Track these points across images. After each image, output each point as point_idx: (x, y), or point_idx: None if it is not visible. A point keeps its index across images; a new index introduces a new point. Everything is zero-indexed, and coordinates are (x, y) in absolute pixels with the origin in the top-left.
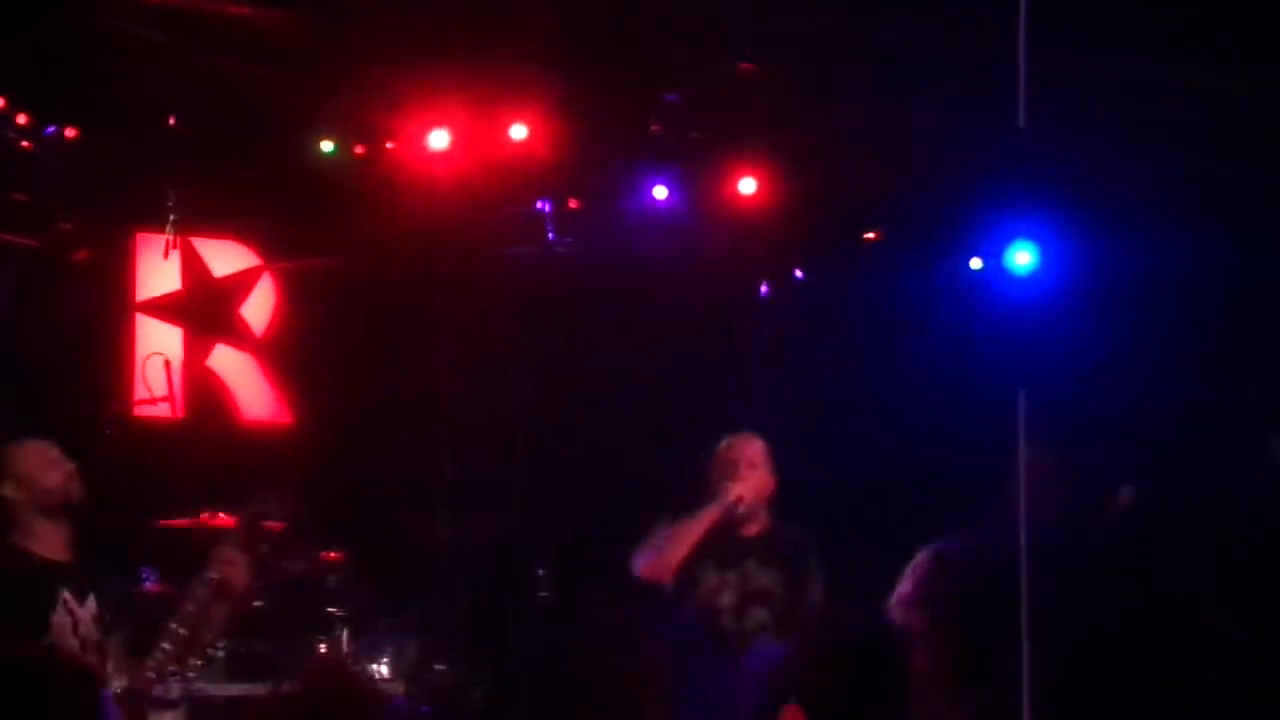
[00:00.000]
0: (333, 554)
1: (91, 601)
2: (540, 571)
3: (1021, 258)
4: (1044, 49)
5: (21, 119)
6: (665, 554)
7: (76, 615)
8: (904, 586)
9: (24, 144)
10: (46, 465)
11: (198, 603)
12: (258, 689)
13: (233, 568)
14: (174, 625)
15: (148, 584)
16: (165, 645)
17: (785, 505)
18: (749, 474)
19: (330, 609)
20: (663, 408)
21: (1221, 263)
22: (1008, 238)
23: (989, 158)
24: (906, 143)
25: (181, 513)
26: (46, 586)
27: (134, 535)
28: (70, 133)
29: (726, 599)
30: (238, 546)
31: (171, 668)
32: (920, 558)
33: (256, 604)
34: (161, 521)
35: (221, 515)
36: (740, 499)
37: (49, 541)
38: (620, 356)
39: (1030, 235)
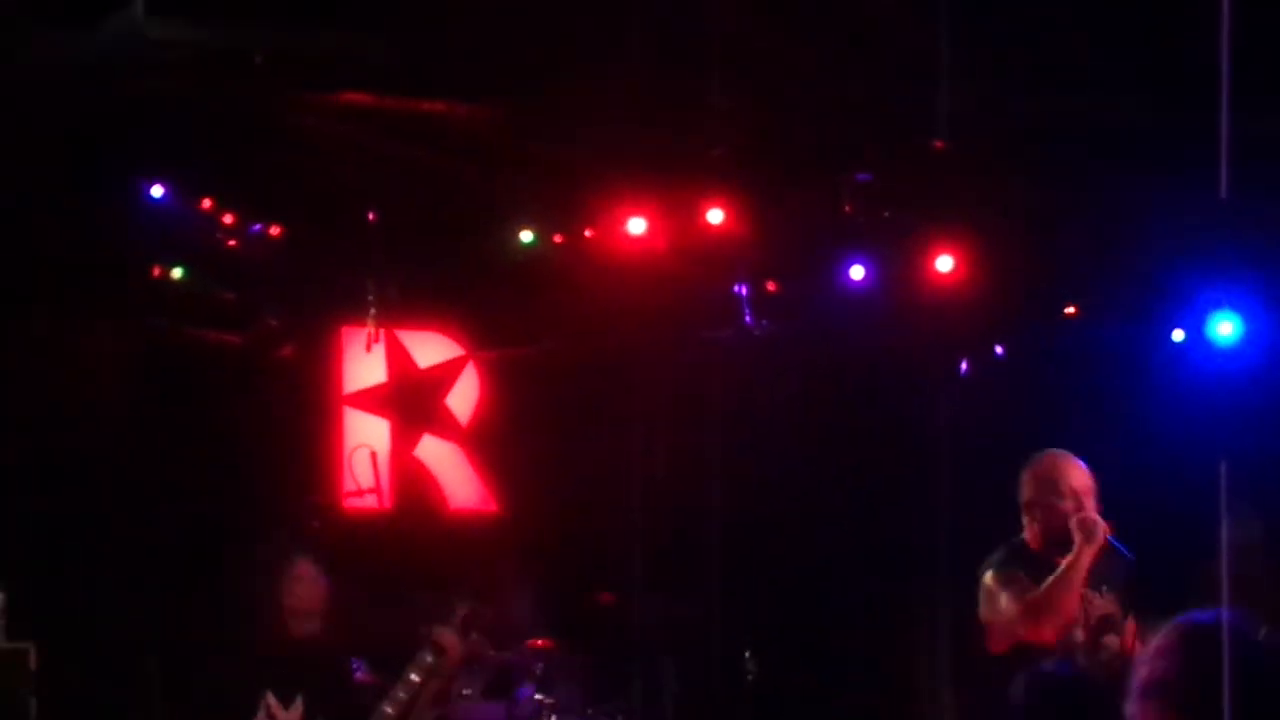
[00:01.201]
0: (540, 641)
1: (299, 703)
2: (746, 654)
3: (1224, 328)
4: (1246, 114)
5: (228, 219)
6: (1061, 608)
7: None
8: (1145, 669)
9: (230, 243)
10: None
11: (399, 703)
12: None
13: (449, 640)
14: (385, 708)
15: (358, 674)
16: None
17: None
18: (1092, 504)
19: (538, 697)
20: (863, 489)
21: None
22: (1210, 308)
23: (1191, 229)
24: (1107, 216)
25: (393, 605)
26: (249, 687)
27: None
28: (274, 230)
29: (1078, 632)
30: (454, 629)
31: None
32: (1167, 635)
33: (465, 693)
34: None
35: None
36: (1107, 531)
37: (280, 635)
38: (819, 437)
39: (1233, 305)
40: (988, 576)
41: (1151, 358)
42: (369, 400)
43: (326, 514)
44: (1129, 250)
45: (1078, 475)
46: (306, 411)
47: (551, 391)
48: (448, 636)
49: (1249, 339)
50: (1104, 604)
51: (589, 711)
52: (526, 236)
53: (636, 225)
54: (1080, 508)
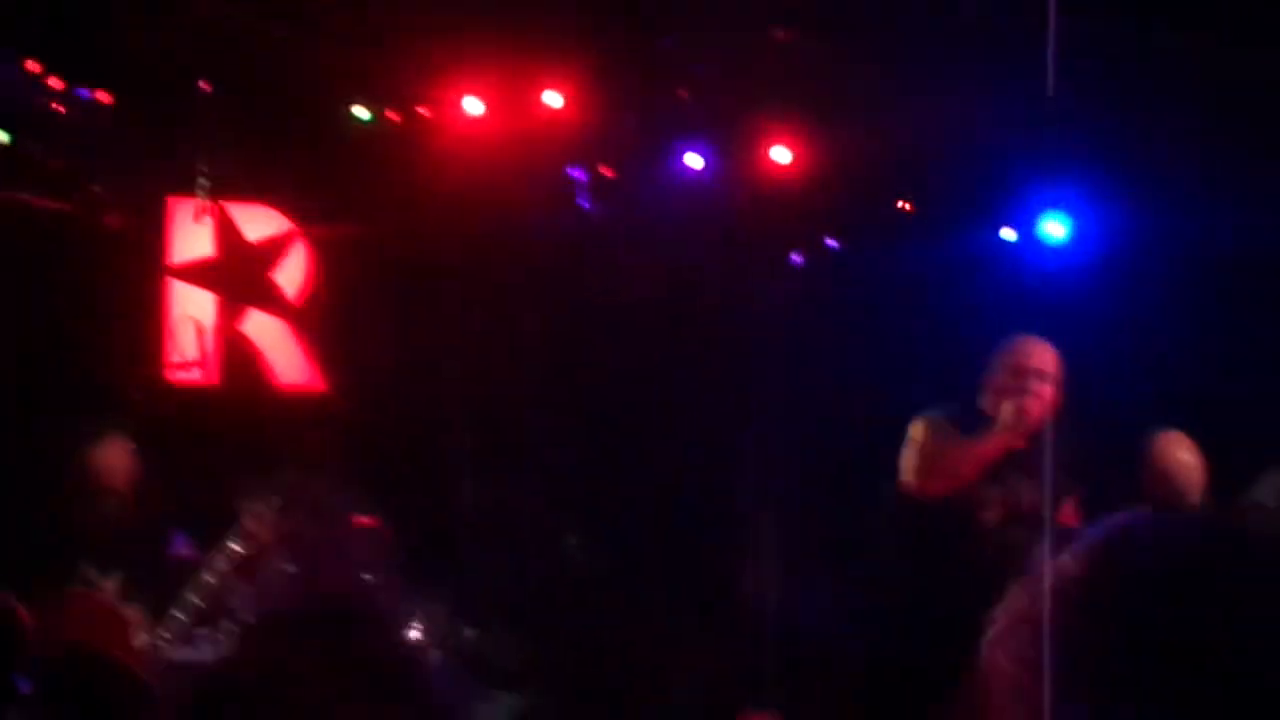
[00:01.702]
0: (363, 519)
1: (117, 575)
2: (571, 539)
3: (1054, 228)
4: (1074, 16)
5: (55, 82)
6: (957, 470)
7: (102, 588)
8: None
9: (57, 107)
10: (114, 468)
11: (218, 574)
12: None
13: (260, 521)
14: (191, 596)
15: (180, 549)
16: (179, 614)
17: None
18: (1039, 387)
19: (362, 575)
20: (691, 376)
21: (1255, 228)
22: (1040, 208)
23: (1022, 128)
24: (939, 112)
25: (214, 475)
26: (67, 559)
27: (167, 500)
28: (103, 97)
29: (988, 514)
30: (266, 502)
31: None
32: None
33: (288, 569)
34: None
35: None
36: (1033, 421)
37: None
38: (651, 324)
39: (1063, 206)
40: (917, 422)
41: (982, 255)
42: (196, 273)
43: (150, 386)
44: (962, 148)
45: (1044, 358)
46: (132, 282)
47: (381, 270)
48: (266, 511)
49: (1078, 239)
50: (1033, 497)
51: (411, 590)
52: (361, 113)
53: (473, 106)
54: (1025, 391)
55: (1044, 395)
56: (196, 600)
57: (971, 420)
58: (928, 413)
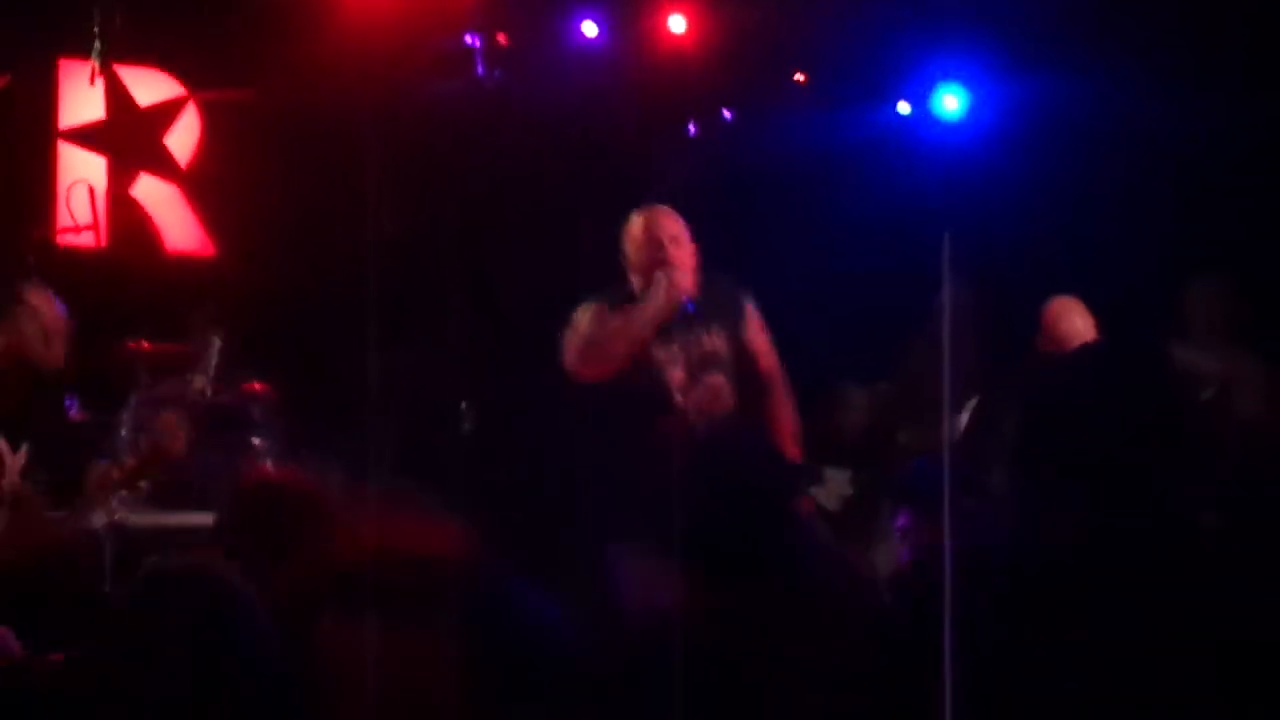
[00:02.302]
0: (256, 385)
1: (24, 450)
2: (463, 404)
3: (949, 102)
4: None
5: None
6: (610, 352)
7: (4, 462)
8: None
9: None
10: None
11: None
12: (183, 518)
13: (171, 434)
14: (105, 466)
15: (72, 413)
16: (92, 486)
17: None
18: (678, 253)
19: (254, 440)
20: (588, 245)
21: (1150, 102)
22: (935, 81)
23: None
24: None
25: (105, 341)
26: None
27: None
28: None
29: (676, 373)
30: (178, 415)
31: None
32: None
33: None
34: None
35: (144, 343)
36: (685, 290)
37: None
38: (547, 193)
39: (958, 80)
40: (579, 310)
41: (877, 129)
42: (87, 136)
43: (42, 249)
44: (859, 20)
45: (670, 224)
46: (21, 145)
47: (274, 137)
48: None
49: (973, 113)
50: (711, 341)
51: (303, 455)
52: None
53: None
54: (665, 260)
55: (684, 259)
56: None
57: (629, 301)
58: (590, 299)
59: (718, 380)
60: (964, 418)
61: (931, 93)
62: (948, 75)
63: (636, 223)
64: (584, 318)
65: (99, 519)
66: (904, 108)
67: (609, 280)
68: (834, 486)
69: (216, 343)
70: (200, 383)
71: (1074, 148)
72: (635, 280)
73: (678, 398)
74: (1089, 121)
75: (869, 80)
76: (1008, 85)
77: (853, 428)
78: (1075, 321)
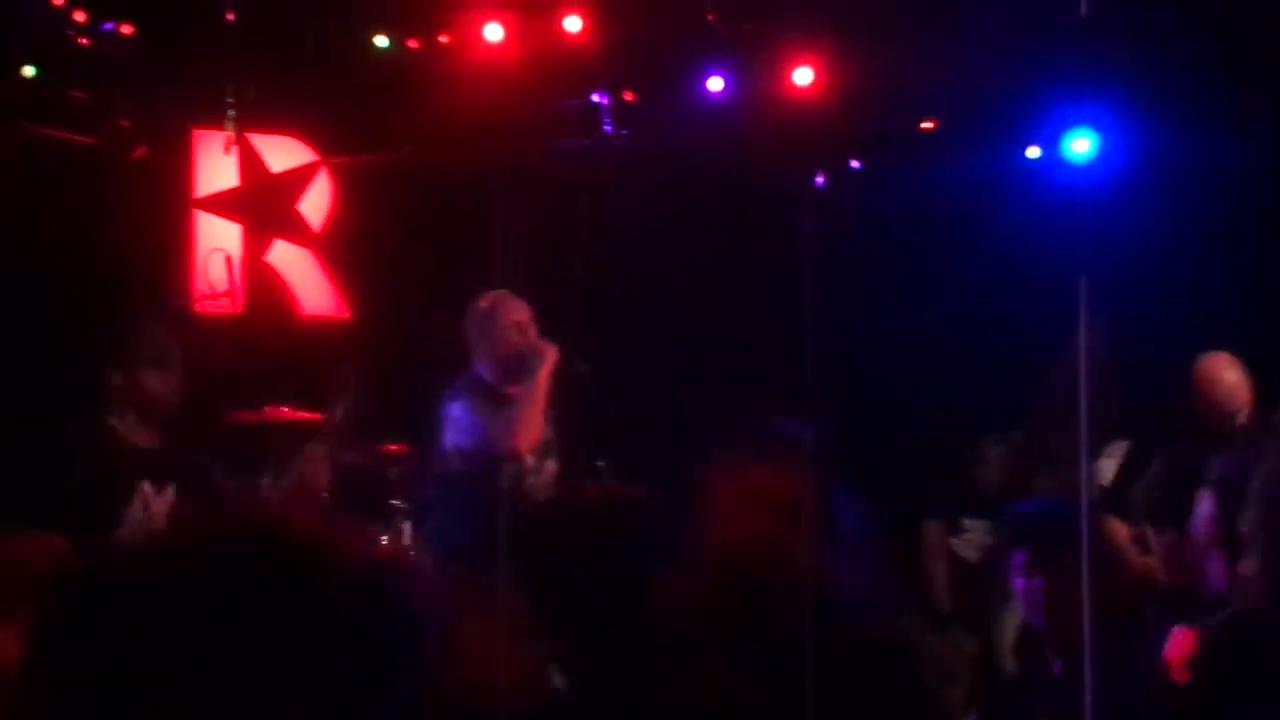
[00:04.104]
0: (393, 446)
1: (170, 493)
2: (600, 464)
3: (1080, 145)
4: None
5: (79, 16)
6: (532, 428)
7: (152, 508)
8: None
9: (82, 41)
10: (157, 365)
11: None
12: None
13: (318, 466)
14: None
15: (215, 478)
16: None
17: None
18: (534, 333)
19: (392, 501)
20: (717, 299)
21: None
22: (1066, 125)
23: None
24: (964, 29)
25: (245, 407)
26: (127, 475)
27: (201, 430)
28: (127, 29)
29: (528, 459)
30: (324, 448)
31: None
32: None
33: (324, 496)
34: (229, 416)
35: (285, 409)
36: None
37: (137, 431)
38: (675, 247)
39: (1089, 123)
40: (458, 406)
41: (1007, 174)
42: (221, 204)
43: (180, 316)
44: (987, 66)
45: (517, 310)
46: (158, 214)
47: (405, 198)
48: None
49: (1104, 156)
50: (547, 429)
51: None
52: (381, 41)
53: (493, 31)
54: (525, 336)
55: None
56: None
57: (479, 386)
58: (452, 391)
59: (552, 467)
60: (1104, 464)
61: (1061, 137)
62: (1078, 119)
63: (489, 311)
64: (471, 413)
65: None
66: (1033, 152)
67: (738, 331)
68: (973, 536)
69: (349, 403)
70: (335, 440)
71: (1207, 191)
72: (492, 362)
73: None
74: (1221, 165)
75: (998, 125)
76: (1139, 128)
77: (990, 478)
78: (1230, 377)
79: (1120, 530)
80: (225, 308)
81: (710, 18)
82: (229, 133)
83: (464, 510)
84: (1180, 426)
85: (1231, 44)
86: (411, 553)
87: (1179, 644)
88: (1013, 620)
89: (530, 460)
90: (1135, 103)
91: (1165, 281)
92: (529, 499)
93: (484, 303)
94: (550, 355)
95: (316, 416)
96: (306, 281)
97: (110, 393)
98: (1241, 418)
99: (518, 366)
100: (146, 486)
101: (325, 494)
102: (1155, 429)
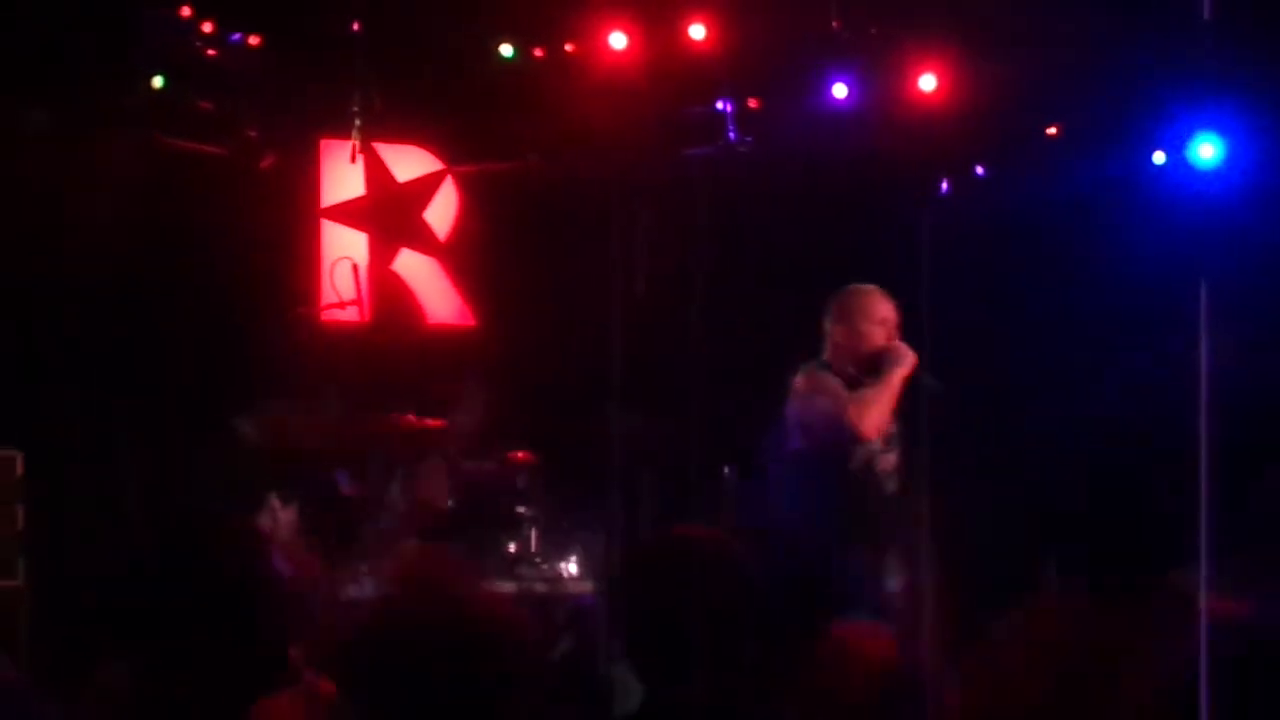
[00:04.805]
0: (520, 454)
1: (294, 508)
2: (725, 469)
3: (1206, 150)
4: None
5: (207, 27)
6: (879, 410)
7: (279, 519)
8: None
9: (210, 52)
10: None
11: (396, 515)
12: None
13: (436, 484)
14: (372, 532)
15: (343, 487)
16: (362, 551)
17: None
18: (894, 332)
19: (519, 509)
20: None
21: None
22: (1191, 130)
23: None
24: (1089, 33)
25: (373, 415)
26: (258, 486)
27: (328, 438)
28: (254, 40)
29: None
30: (442, 461)
31: (365, 570)
32: None
33: (448, 504)
34: (356, 425)
35: (410, 418)
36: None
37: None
38: (801, 256)
39: (1214, 127)
40: (803, 378)
41: (1133, 179)
42: (347, 213)
43: (308, 325)
44: (1112, 70)
45: (886, 307)
46: (286, 224)
47: (530, 207)
48: (437, 466)
49: (1230, 161)
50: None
51: (567, 524)
52: (506, 50)
53: (618, 40)
54: (890, 336)
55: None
56: (379, 539)
57: (834, 372)
58: (805, 368)
59: (891, 460)
60: None
61: (1187, 141)
62: (1203, 123)
63: (853, 296)
64: (821, 384)
65: (368, 588)
66: (1159, 157)
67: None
68: None
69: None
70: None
71: None
72: (835, 349)
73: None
74: None
75: (1123, 130)
76: (1265, 132)
77: None
78: None
79: None
80: (352, 317)
81: (835, 24)
82: (355, 142)
83: (806, 488)
84: None
85: None
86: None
87: None
88: None
89: (880, 444)
90: (1261, 108)
91: None
92: (879, 481)
93: (855, 294)
94: (910, 359)
95: (440, 424)
96: (432, 290)
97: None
98: None
99: (875, 363)
100: (275, 500)
101: (448, 503)
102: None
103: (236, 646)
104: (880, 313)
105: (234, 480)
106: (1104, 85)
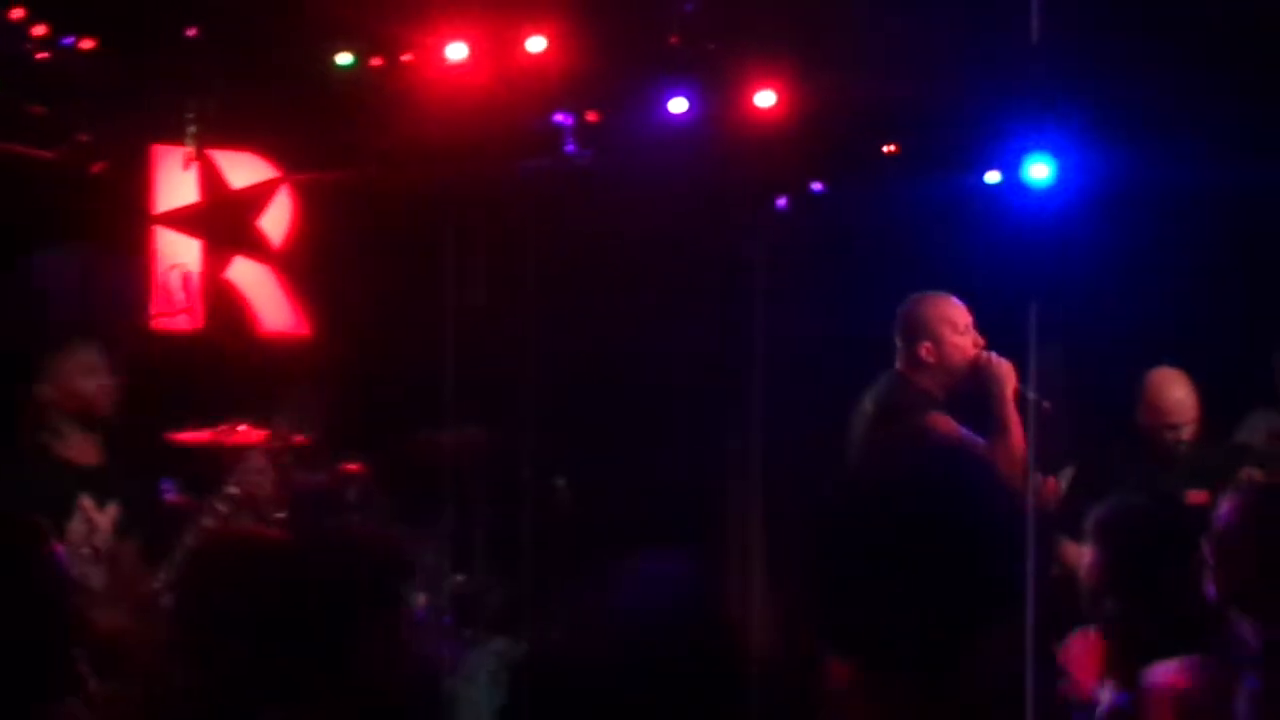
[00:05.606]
0: (351, 466)
1: (112, 508)
2: (560, 482)
3: (1038, 170)
4: None
5: (39, 30)
6: (1019, 444)
7: (94, 522)
8: None
9: (41, 55)
10: (85, 372)
11: (218, 517)
12: None
13: (259, 478)
14: (189, 539)
15: (168, 495)
16: (178, 557)
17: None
18: (979, 337)
19: (352, 519)
20: (676, 319)
21: (1239, 174)
22: (1024, 150)
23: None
24: (925, 54)
25: (201, 424)
26: (65, 491)
27: (154, 446)
28: (87, 44)
29: None
30: (265, 458)
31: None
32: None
33: (278, 516)
34: (181, 433)
35: (241, 428)
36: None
37: (76, 446)
38: (636, 268)
39: (1047, 148)
40: (936, 423)
41: (968, 198)
42: (181, 220)
43: (136, 332)
44: (947, 91)
45: (964, 312)
46: (117, 230)
47: (366, 217)
48: (260, 461)
49: (1061, 181)
50: None
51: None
52: (344, 58)
53: (456, 51)
54: (978, 343)
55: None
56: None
57: (906, 389)
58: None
59: None
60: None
61: (1021, 161)
62: (1036, 144)
63: (948, 306)
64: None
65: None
66: (993, 176)
67: (703, 351)
68: None
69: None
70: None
71: (1165, 215)
72: (911, 357)
73: None
74: (1180, 189)
75: (958, 149)
76: (1097, 152)
77: None
78: (1177, 392)
79: (1072, 550)
80: (184, 324)
81: (673, 39)
82: (189, 148)
83: None
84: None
85: (1186, 67)
86: None
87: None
88: None
89: None
90: (1092, 128)
91: (1121, 303)
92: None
93: (933, 304)
94: (1008, 370)
95: (264, 434)
96: (266, 298)
97: (42, 408)
98: (1186, 432)
99: (968, 376)
100: (87, 501)
101: (269, 506)
102: (1110, 449)
103: (13, 652)
104: (964, 320)
105: (43, 487)
106: (940, 105)
